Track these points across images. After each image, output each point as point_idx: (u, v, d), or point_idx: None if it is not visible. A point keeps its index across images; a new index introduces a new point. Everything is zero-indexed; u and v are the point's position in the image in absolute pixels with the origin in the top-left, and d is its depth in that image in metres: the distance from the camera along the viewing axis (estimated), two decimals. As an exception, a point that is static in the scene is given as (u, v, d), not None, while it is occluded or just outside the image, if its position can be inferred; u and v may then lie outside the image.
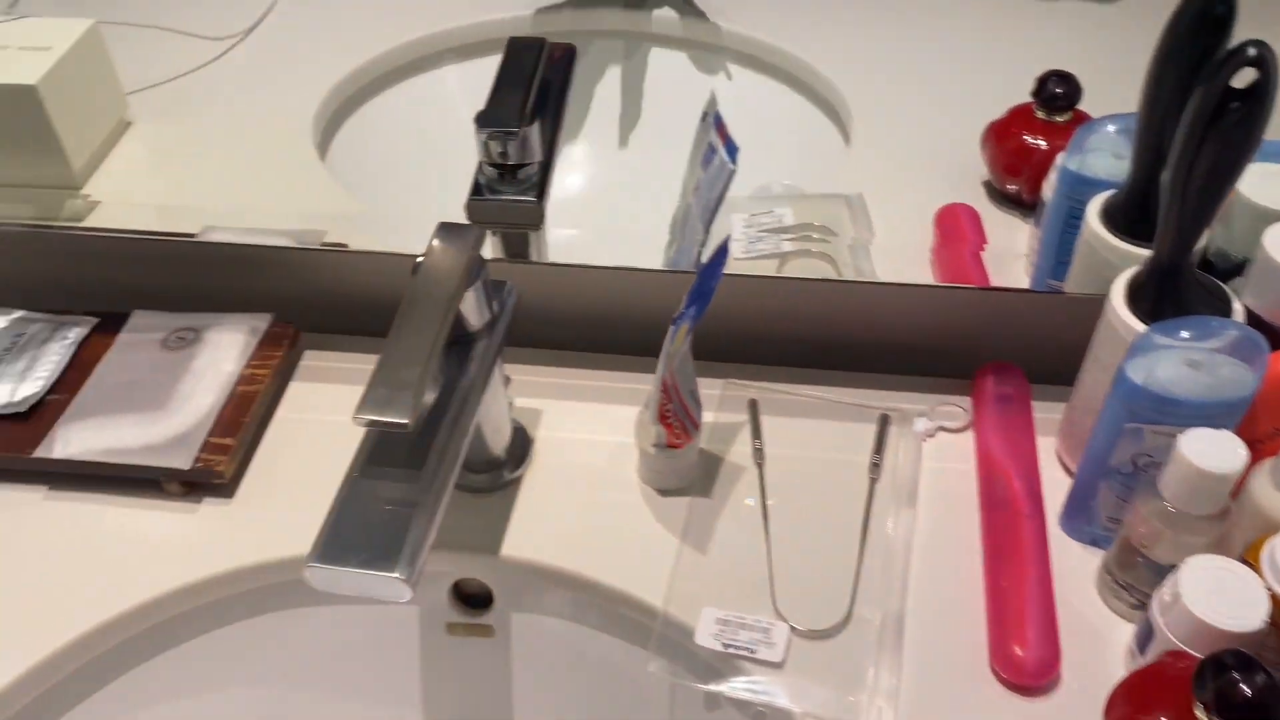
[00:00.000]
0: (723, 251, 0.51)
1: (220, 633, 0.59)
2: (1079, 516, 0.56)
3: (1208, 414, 0.48)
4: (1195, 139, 0.46)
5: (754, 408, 0.64)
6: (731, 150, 0.60)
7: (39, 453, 0.58)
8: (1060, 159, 0.59)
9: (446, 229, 0.52)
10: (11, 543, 0.57)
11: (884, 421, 0.62)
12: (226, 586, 0.57)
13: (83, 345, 0.64)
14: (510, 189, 0.62)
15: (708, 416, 0.63)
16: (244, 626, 0.59)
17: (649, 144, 0.74)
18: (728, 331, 0.66)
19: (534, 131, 0.61)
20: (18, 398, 0.61)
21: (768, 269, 0.69)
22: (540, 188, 0.63)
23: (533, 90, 0.62)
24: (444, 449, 0.48)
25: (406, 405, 0.45)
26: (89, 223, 0.72)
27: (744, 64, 0.75)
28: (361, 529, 0.45)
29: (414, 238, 0.54)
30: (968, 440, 0.61)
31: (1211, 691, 0.40)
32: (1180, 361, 0.48)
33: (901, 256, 0.69)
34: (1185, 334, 0.48)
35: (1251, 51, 0.43)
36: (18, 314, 0.66)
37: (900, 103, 0.71)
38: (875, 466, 0.60)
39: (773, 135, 0.76)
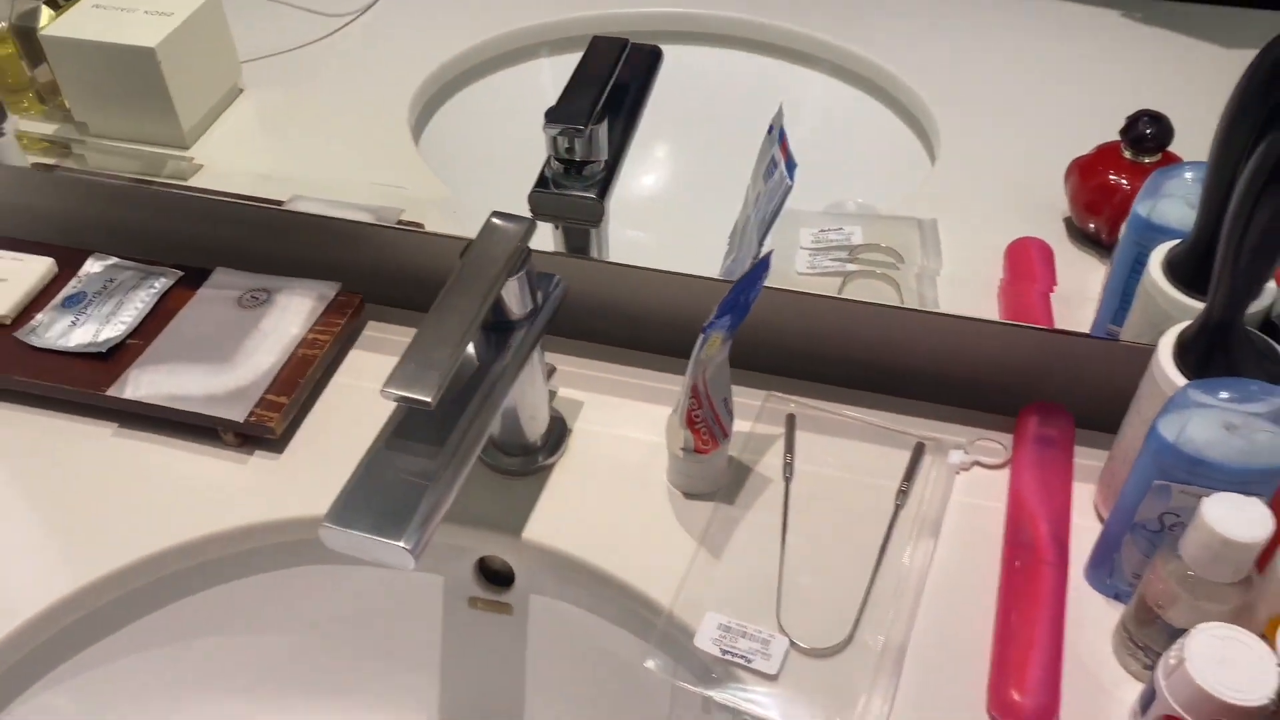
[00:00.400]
0: (761, 266, 0.52)
1: (256, 579, 0.62)
2: (1102, 568, 0.54)
3: (1239, 480, 0.46)
4: (1254, 193, 0.44)
5: (791, 422, 0.64)
6: (791, 166, 0.60)
7: (111, 391, 0.63)
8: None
9: (498, 218, 0.54)
10: (78, 472, 0.62)
11: (919, 450, 0.62)
12: (266, 536, 0.60)
13: (166, 295, 0.69)
14: (574, 185, 0.64)
15: (744, 426, 0.63)
16: (279, 576, 0.63)
17: (727, 152, 0.74)
18: (777, 345, 0.66)
19: (601, 130, 0.63)
20: (100, 339, 0.65)
21: (830, 286, 0.69)
22: (604, 186, 0.64)
23: (605, 90, 0.64)
24: (467, 429, 0.50)
25: (432, 384, 0.47)
26: (194, 180, 0.76)
27: (839, 76, 0.75)
28: (378, 496, 0.47)
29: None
30: (1003, 478, 0.60)
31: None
32: (1217, 423, 0.47)
33: (968, 287, 0.68)
34: (1225, 395, 0.47)
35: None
36: (112, 261, 0.71)
37: (990, 128, 0.70)
38: (902, 494, 0.60)
39: (858, 150, 0.76)
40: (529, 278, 0.54)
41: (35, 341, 0.65)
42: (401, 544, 0.45)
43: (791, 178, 0.59)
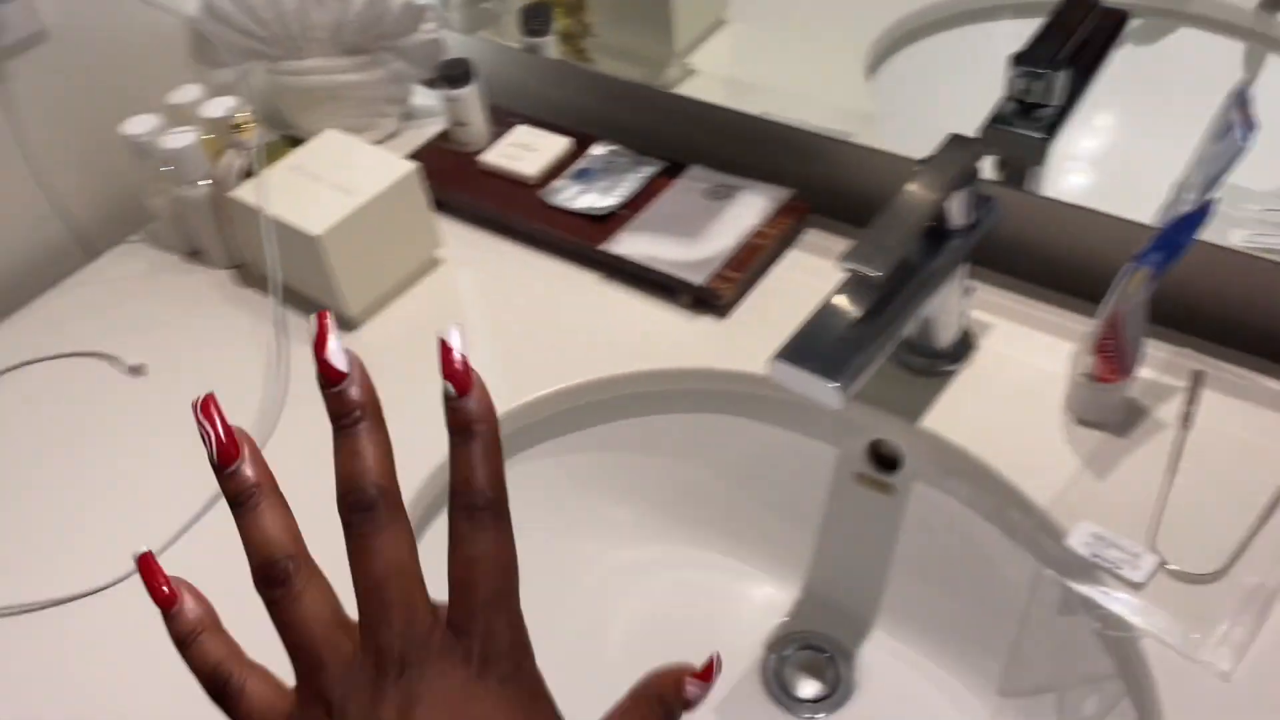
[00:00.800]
0: (1200, 212, 0.55)
1: (681, 416, 0.75)
2: None
3: None
4: None
5: (1197, 378, 0.66)
6: (1247, 129, 0.62)
7: (603, 246, 0.78)
8: None
9: (954, 139, 0.61)
10: (566, 305, 0.77)
11: (1332, 427, 0.62)
12: (698, 381, 0.73)
13: (652, 180, 0.83)
14: (1025, 125, 0.70)
15: (1151, 374, 0.67)
16: (701, 418, 0.75)
17: (1183, 120, 0.76)
18: (1198, 305, 0.68)
19: (1059, 78, 0.68)
20: (600, 205, 0.81)
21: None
22: (1051, 129, 0.69)
23: (1069, 42, 0.68)
24: (899, 310, 0.59)
25: (884, 261, 0.56)
26: (680, 90, 0.90)
27: None
28: (820, 345, 0.57)
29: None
30: None
31: None
32: None
33: None
34: None
35: None
36: (614, 147, 0.86)
37: None
38: (1305, 462, 0.61)
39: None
40: (972, 195, 0.61)
41: (552, 200, 0.82)
42: (834, 384, 0.55)
43: (1245, 140, 0.61)
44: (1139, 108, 0.79)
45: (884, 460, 0.71)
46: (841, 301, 0.59)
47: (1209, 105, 0.71)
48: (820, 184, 0.81)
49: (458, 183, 0.85)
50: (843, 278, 0.60)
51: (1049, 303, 0.72)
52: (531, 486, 0.75)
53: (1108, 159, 0.81)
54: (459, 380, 0.30)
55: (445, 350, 0.30)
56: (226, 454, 0.31)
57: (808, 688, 0.72)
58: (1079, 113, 0.74)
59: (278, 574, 0.31)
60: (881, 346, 0.58)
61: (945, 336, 0.68)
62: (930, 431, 0.66)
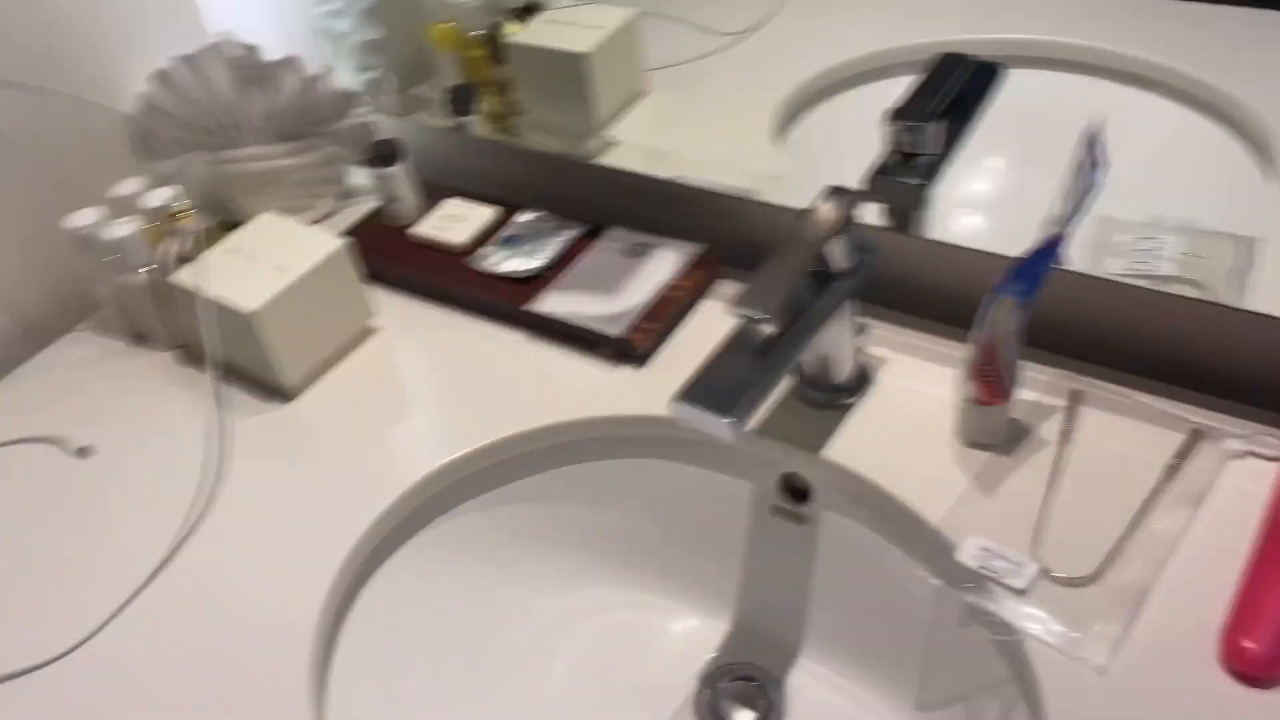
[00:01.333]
0: (1052, 242, 0.61)
1: (603, 463, 0.79)
2: (1361, 555, 0.58)
3: None
4: None
5: (1075, 397, 0.71)
6: (1098, 166, 0.68)
7: (528, 306, 0.83)
8: None
9: (832, 191, 0.67)
10: (493, 363, 0.82)
11: (1195, 435, 0.67)
12: (618, 427, 0.77)
13: (574, 242, 0.88)
14: (905, 173, 0.76)
15: (1033, 396, 0.72)
16: (622, 463, 0.79)
17: (1055, 162, 0.82)
18: (1074, 330, 0.74)
19: (933, 129, 0.74)
20: (524, 268, 0.86)
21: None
22: (929, 175, 0.75)
23: (942, 96, 0.75)
24: (786, 347, 0.63)
25: (768, 306, 0.61)
26: (601, 159, 0.96)
27: (1176, 99, 0.81)
28: (716, 384, 0.62)
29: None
30: (1276, 469, 0.64)
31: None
32: None
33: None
34: None
35: None
36: (538, 214, 0.92)
37: None
38: (1172, 469, 0.65)
39: (1187, 170, 0.81)
40: (851, 239, 0.66)
41: (480, 266, 0.87)
42: (727, 420, 0.60)
43: (1095, 177, 0.67)
44: (1027, 149, 0.85)
45: (796, 492, 0.76)
46: (734, 344, 0.64)
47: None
48: (731, 239, 0.87)
49: (391, 255, 0.90)
50: (736, 322, 0.65)
51: (940, 335, 0.78)
52: (467, 539, 0.78)
53: (1000, 198, 0.87)
54: None
55: None
56: None
57: (741, 717, 0.75)
58: (962, 158, 0.80)
59: None
60: (772, 381, 0.62)
61: (843, 372, 0.73)
62: (833, 462, 0.71)
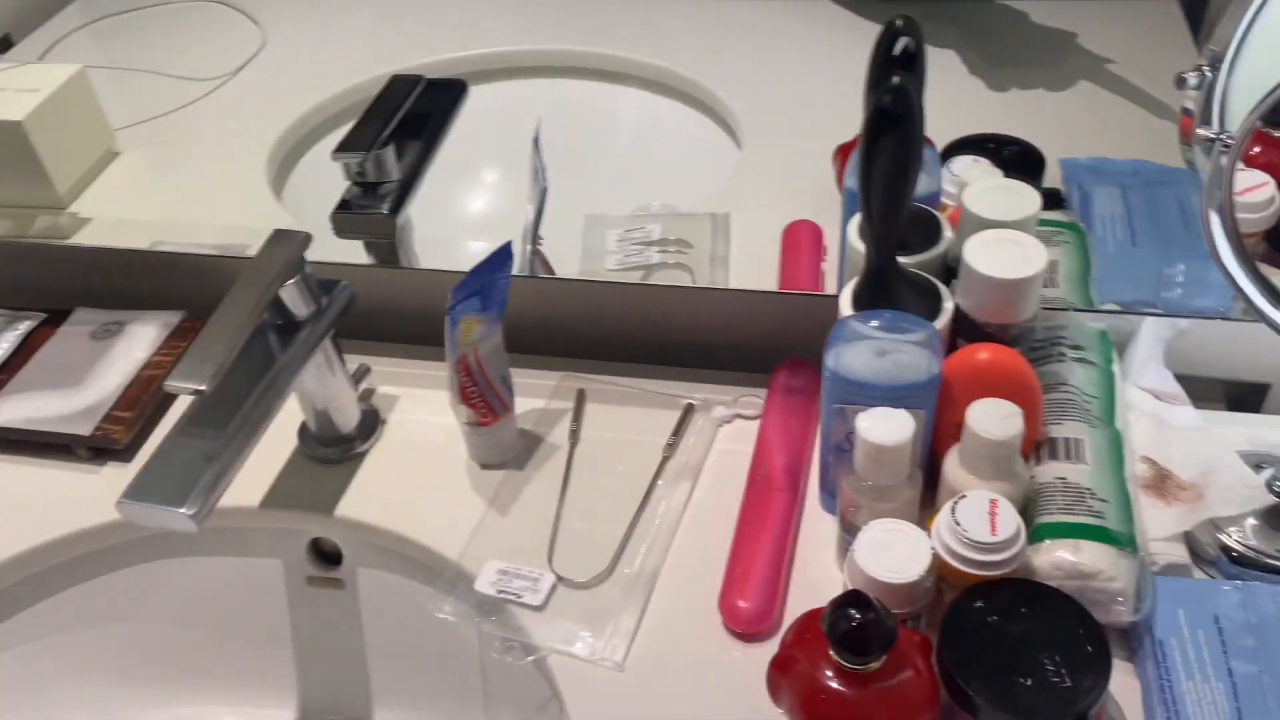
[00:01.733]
0: (498, 253, 0.60)
1: (117, 575, 0.70)
2: (825, 492, 0.62)
3: (892, 396, 0.54)
4: (866, 146, 0.53)
5: (581, 396, 0.72)
6: (540, 171, 0.69)
7: (-24, 420, 0.71)
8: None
9: (276, 234, 0.62)
10: (-49, 493, 0.70)
11: (688, 410, 0.70)
12: (116, 534, 0.68)
13: (31, 335, 0.77)
14: (370, 204, 0.73)
15: (538, 403, 0.71)
16: (137, 570, 0.70)
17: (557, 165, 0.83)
18: (574, 331, 0.74)
19: (388, 155, 0.72)
20: (-32, 377, 0.73)
21: (635, 279, 0.77)
22: (396, 204, 0.73)
23: (393, 120, 0.72)
24: (249, 414, 0.58)
25: (206, 374, 0.55)
26: (78, 233, 0.85)
27: (650, 90, 0.84)
28: (168, 474, 0.55)
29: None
30: (757, 427, 0.68)
31: (828, 622, 0.47)
32: (870, 350, 0.55)
33: (752, 267, 0.76)
34: (875, 324, 0.55)
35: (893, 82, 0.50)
36: (-17, 310, 0.79)
37: (781, 126, 0.79)
38: (670, 447, 0.68)
39: (666, 156, 0.85)
40: (307, 282, 0.62)
41: (-89, 384, 0.74)
42: (183, 510, 0.53)
43: (544, 181, 0.68)
44: (514, 160, 0.85)
45: (327, 557, 0.71)
46: (186, 424, 0.58)
47: (570, 145, 0.77)
48: (214, 296, 0.79)
49: None
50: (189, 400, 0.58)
51: (444, 361, 0.75)
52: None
53: (499, 209, 0.87)
54: None
55: None
56: None
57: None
58: (452, 179, 0.78)
59: None
60: (237, 454, 0.57)
61: (347, 421, 0.69)
62: (349, 518, 0.66)
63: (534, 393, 0.72)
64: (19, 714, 0.69)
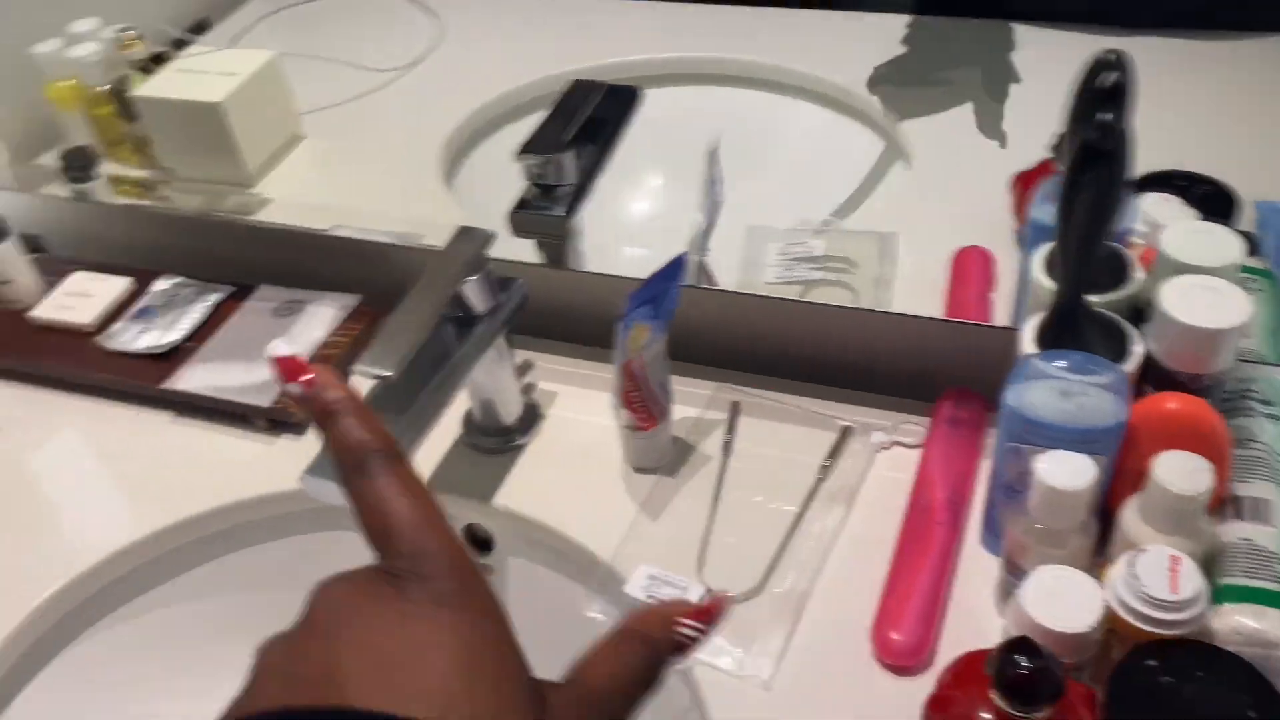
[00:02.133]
0: (673, 264, 0.61)
1: (276, 544, 0.73)
2: (989, 530, 0.61)
3: (1073, 439, 0.53)
4: (1070, 182, 0.51)
5: (735, 408, 0.72)
6: (717, 182, 0.69)
7: (167, 385, 0.75)
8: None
9: (461, 231, 0.64)
10: (139, 452, 0.74)
11: (845, 432, 0.69)
12: (285, 504, 0.72)
13: (219, 307, 0.82)
14: (547, 205, 0.74)
15: (693, 412, 0.72)
16: (296, 541, 0.74)
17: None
18: (732, 344, 0.75)
19: (568, 158, 0.73)
20: (162, 343, 0.78)
21: (793, 294, 0.77)
22: (571, 206, 0.74)
23: (573, 124, 0.74)
24: (427, 402, 0.60)
25: (393, 362, 0.57)
26: (259, 212, 0.89)
27: (820, 104, 0.84)
28: (349, 453, 0.57)
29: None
30: (918, 456, 0.67)
31: (995, 667, 0.46)
32: (1053, 390, 0.53)
33: (917, 291, 0.75)
34: (1060, 364, 0.53)
35: (1104, 118, 0.49)
36: (177, 279, 0.84)
37: (955, 148, 0.78)
38: (824, 468, 0.67)
39: (834, 171, 0.85)
40: (488, 279, 0.64)
41: (111, 345, 0.79)
42: (362, 490, 0.56)
43: (718, 195, 0.69)
44: (684, 165, 0.86)
45: (480, 543, 0.72)
46: (370, 404, 0.60)
47: (738, 154, 0.77)
48: (392, 285, 0.82)
49: (6, 345, 0.80)
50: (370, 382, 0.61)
51: (604, 362, 0.77)
52: (135, 643, 0.70)
53: (662, 215, 0.88)
54: (303, 377, 0.33)
55: (279, 361, 0.33)
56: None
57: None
58: (619, 181, 0.80)
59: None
60: (413, 440, 0.59)
61: (510, 413, 0.71)
62: (506, 509, 0.68)
63: (689, 401, 0.72)
64: (150, 668, 0.72)
